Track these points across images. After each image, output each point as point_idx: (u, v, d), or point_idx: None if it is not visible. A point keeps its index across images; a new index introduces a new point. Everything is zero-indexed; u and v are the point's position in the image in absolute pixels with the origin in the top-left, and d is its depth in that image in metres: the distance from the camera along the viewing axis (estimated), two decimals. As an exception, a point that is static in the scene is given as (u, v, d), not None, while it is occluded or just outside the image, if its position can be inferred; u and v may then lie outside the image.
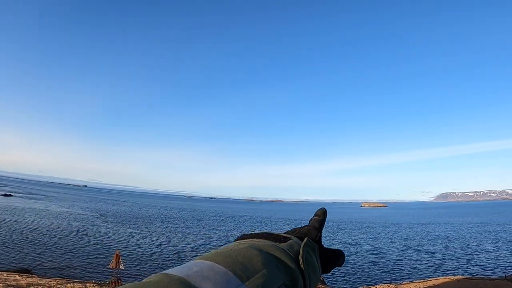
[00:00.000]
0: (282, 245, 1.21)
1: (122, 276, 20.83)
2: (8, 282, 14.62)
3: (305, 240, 1.20)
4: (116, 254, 19.43)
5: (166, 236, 45.36)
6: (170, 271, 1.17)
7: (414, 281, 14.75)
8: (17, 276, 18.18)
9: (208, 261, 1.19)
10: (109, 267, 20.36)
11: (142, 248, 35.43)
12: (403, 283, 14.59)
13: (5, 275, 17.75)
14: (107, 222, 58.27)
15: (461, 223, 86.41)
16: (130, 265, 26.42)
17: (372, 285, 20.48)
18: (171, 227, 58.35)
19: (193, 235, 48.65)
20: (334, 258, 1.21)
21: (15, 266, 24.36)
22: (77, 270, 25.45)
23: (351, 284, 24.82)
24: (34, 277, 19.41)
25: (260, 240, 1.19)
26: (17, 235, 36.87)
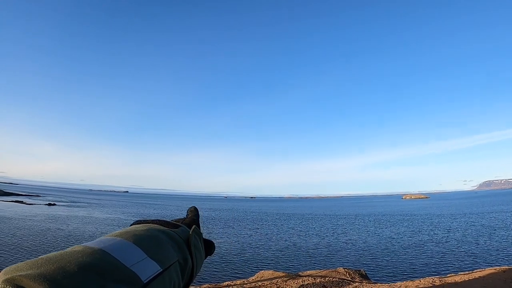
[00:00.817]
0: (175, 230, 1.51)
1: None
2: None
3: (193, 227, 1.52)
4: None
5: (207, 238, 46.22)
6: (88, 243, 1.41)
7: (459, 273, 14.68)
8: None
9: (118, 238, 1.44)
10: None
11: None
12: (448, 275, 14.53)
13: None
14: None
15: (505, 212, 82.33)
16: None
17: (416, 278, 20.36)
18: (212, 228, 59.33)
19: (234, 235, 49.30)
20: (209, 247, 1.52)
21: None
22: None
23: (395, 279, 24.65)
24: None
25: (155, 225, 1.46)
26: (62, 243, 38.39)
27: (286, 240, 47.69)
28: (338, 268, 25.26)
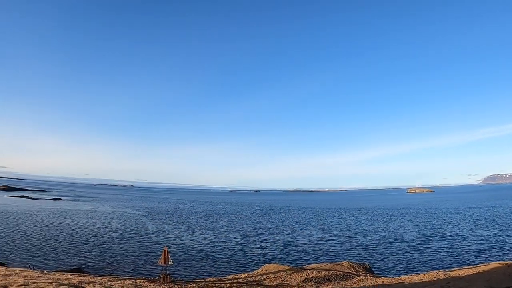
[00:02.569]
0: None
1: (171, 272, 21.29)
2: (60, 281, 15.30)
3: None
4: (165, 251, 19.95)
5: (212, 231, 46.43)
6: None
7: (464, 267, 14.69)
8: (69, 275, 19.12)
9: None
10: (157, 263, 21.03)
11: (189, 244, 36.45)
12: (452, 269, 14.57)
13: (57, 275, 18.80)
14: (154, 219, 60.32)
15: (510, 206, 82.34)
16: (178, 260, 27.31)
17: (420, 272, 20.42)
18: (216, 221, 59.56)
19: (238, 229, 49.52)
20: None
21: (67, 267, 25.59)
22: (127, 267, 26.55)
23: (399, 272, 24.70)
24: (85, 275, 20.48)
25: None
26: (67, 237, 39.12)
27: (290, 234, 47.86)
28: (342, 262, 25.47)
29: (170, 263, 19.80)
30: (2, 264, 25.27)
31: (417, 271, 23.32)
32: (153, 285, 17.63)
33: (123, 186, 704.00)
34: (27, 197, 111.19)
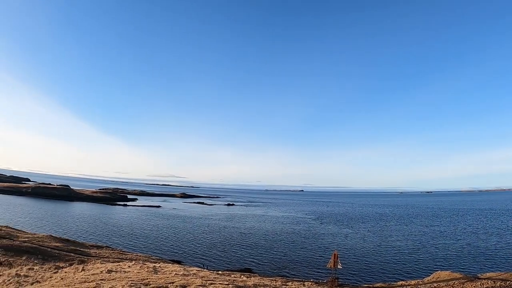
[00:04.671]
0: None
1: (340, 276, 22.13)
2: (236, 283, 16.67)
3: None
4: (334, 254, 20.59)
5: (380, 235, 46.55)
6: None
7: None
8: (243, 276, 20.64)
9: None
10: (327, 266, 21.65)
11: (358, 248, 37.54)
12: None
13: (232, 276, 20.47)
14: (323, 223, 63.15)
15: None
16: (346, 265, 27.92)
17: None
18: (385, 225, 58.91)
19: (407, 232, 48.31)
20: None
21: (236, 267, 28.13)
22: (295, 270, 28.26)
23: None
24: (256, 276, 22.34)
25: None
26: (238, 239, 43.33)
27: (463, 238, 44.08)
28: (524, 271, 22.98)
29: (339, 267, 20.51)
30: (179, 262, 27.89)
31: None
32: (321, 288, 19.26)
33: (293, 191, 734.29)
34: (202, 203, 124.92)
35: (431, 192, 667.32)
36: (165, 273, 18.77)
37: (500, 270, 25.15)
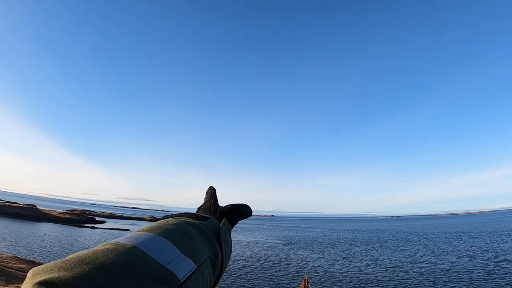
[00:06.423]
0: (204, 223, 1.37)
1: None
2: None
3: (223, 221, 1.36)
4: (305, 280, 20.24)
5: (350, 259, 46.17)
6: (120, 240, 1.34)
7: None
8: None
9: (151, 233, 1.34)
10: None
11: (328, 272, 36.91)
12: None
13: None
14: (293, 248, 62.31)
15: None
16: None
17: None
18: (355, 249, 58.75)
19: (377, 256, 48.17)
20: (239, 212, 1.34)
21: None
22: None
23: None
24: None
25: (184, 218, 1.36)
26: None
27: (432, 261, 44.16)
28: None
29: (310, 291, 19.90)
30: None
31: None
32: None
33: (264, 216, 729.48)
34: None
35: (402, 216, 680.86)
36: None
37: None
